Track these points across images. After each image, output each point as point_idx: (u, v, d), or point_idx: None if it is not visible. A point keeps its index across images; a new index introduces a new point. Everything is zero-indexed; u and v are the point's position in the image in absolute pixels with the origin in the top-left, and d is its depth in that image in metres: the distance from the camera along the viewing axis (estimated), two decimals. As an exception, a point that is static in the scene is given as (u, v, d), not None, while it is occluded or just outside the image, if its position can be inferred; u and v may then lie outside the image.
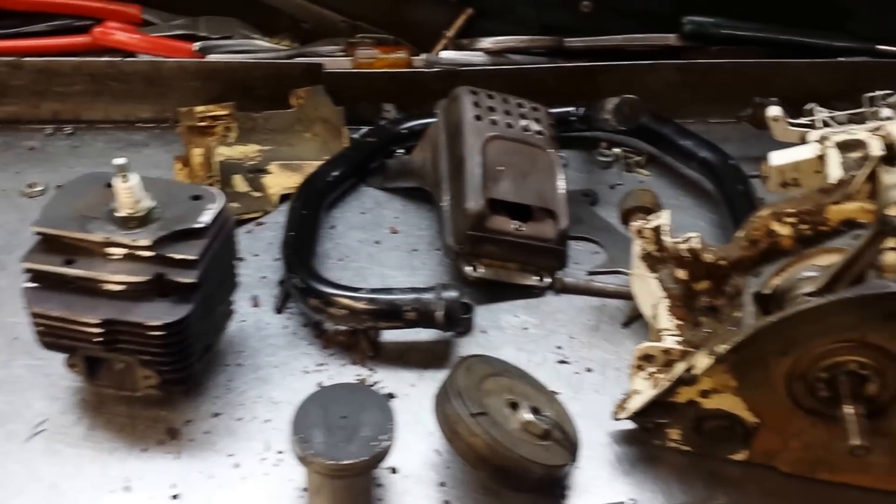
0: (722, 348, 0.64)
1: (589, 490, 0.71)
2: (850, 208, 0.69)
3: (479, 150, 0.87)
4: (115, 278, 0.69)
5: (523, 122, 0.93)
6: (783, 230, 0.71)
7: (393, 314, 0.79)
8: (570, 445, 0.68)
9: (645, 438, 0.74)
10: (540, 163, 0.90)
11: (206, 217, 0.70)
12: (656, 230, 0.78)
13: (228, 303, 0.78)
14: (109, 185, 0.69)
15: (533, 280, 0.89)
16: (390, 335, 0.83)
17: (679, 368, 0.68)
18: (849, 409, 0.62)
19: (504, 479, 0.66)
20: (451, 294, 0.78)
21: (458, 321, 0.79)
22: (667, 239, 0.77)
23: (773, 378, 0.66)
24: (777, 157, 0.94)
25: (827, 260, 0.68)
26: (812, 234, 0.70)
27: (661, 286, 0.79)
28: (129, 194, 0.69)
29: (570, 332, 0.86)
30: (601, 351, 0.83)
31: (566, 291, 0.90)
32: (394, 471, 0.71)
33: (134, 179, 0.69)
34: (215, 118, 1.01)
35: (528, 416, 0.67)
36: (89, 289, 0.69)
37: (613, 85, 1.05)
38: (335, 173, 0.98)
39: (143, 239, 0.68)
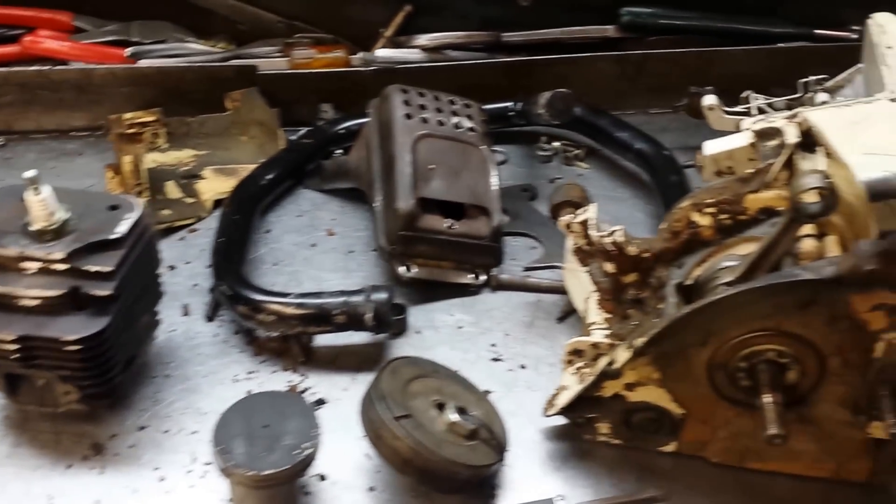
0: (640, 341, 0.64)
1: (518, 488, 0.70)
2: (768, 196, 0.68)
3: (409, 149, 0.86)
4: (30, 293, 0.67)
5: (455, 119, 0.92)
6: (703, 220, 0.71)
7: (322, 318, 0.78)
8: (497, 445, 0.68)
9: (576, 434, 0.74)
10: (472, 160, 0.90)
11: (122, 227, 0.69)
12: (584, 224, 0.78)
13: (153, 313, 0.77)
14: (23, 199, 0.68)
15: (468, 278, 0.89)
16: (323, 339, 0.82)
17: (602, 363, 0.67)
18: (767, 398, 0.62)
19: (431, 482, 0.66)
20: (381, 296, 0.78)
21: (388, 323, 0.78)
22: (593, 233, 0.76)
23: (695, 369, 0.66)
24: (711, 147, 0.94)
25: (747, 249, 0.68)
26: (732, 223, 0.70)
27: (591, 280, 0.79)
28: (42, 207, 0.68)
29: (504, 329, 0.85)
30: (536, 347, 0.83)
31: (502, 288, 0.90)
32: (322, 478, 0.70)
33: (46, 192, 0.68)
34: (143, 124, 0.99)
35: (454, 417, 0.67)
36: (4, 304, 0.68)
37: (552, 78, 1.04)
38: (269, 176, 0.97)
39: (57, 252, 0.67)
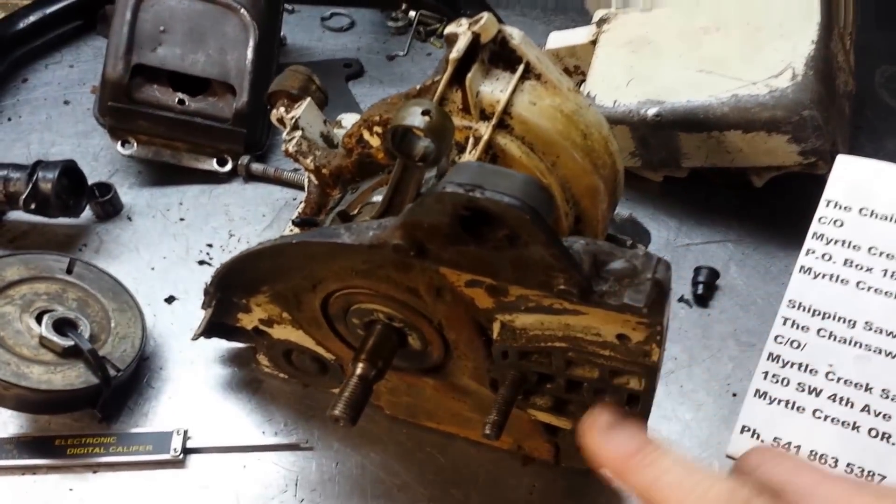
0: (211, 280, 0.53)
1: (147, 413, 0.61)
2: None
3: (131, 7, 0.73)
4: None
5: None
6: (373, 141, 0.57)
7: (-19, 194, 0.68)
8: (98, 368, 0.58)
9: (250, 359, 0.64)
10: (227, 26, 0.77)
11: None
12: (292, 123, 0.65)
13: None
14: None
15: (211, 164, 0.77)
16: (21, 214, 0.73)
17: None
18: (356, 368, 0.49)
19: (3, 403, 0.57)
20: (47, 174, 0.67)
21: (58, 206, 0.68)
22: (284, 135, 0.64)
23: (317, 316, 0.54)
24: (553, 40, 0.82)
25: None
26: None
27: (307, 188, 0.67)
28: None
29: (234, 228, 0.75)
30: (254, 253, 0.72)
31: (253, 179, 0.78)
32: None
33: None
34: None
35: (44, 332, 0.57)
36: None
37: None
38: (33, 17, 0.85)
39: None
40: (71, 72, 0.87)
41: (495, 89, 0.52)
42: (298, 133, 0.62)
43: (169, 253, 0.72)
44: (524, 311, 0.44)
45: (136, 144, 0.75)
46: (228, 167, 0.77)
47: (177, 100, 0.74)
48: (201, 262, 0.71)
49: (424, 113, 0.44)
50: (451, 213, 0.39)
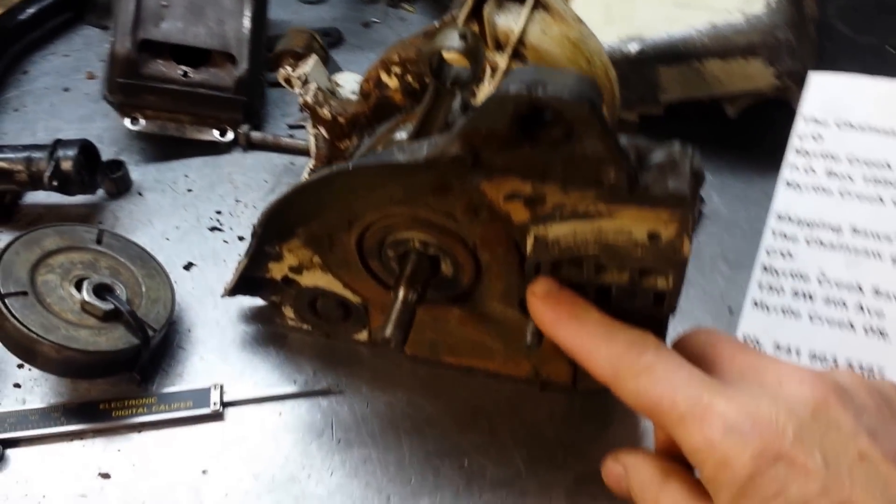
0: (258, 222, 0.56)
1: (182, 373, 0.64)
2: (452, 56, 0.57)
3: (134, -18, 0.75)
4: None
5: (208, -52, 0.81)
6: (391, 82, 0.60)
7: (4, 175, 0.70)
8: (138, 328, 0.61)
9: (273, 316, 0.67)
10: (221, -3, 0.79)
11: None
12: (302, 80, 0.68)
13: None
14: None
15: (213, 135, 0.80)
16: (36, 198, 0.75)
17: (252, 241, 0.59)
18: (398, 294, 0.53)
19: (52, 367, 0.60)
20: (67, 153, 0.69)
21: (77, 183, 0.70)
22: (296, 90, 0.66)
23: (350, 255, 0.57)
24: None
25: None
26: (419, 86, 0.60)
27: (315, 145, 0.70)
28: None
29: (239, 194, 0.77)
30: (265, 216, 0.75)
31: (253, 147, 0.81)
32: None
33: None
34: None
35: (87, 297, 0.60)
36: None
37: None
38: (31, 11, 0.87)
39: None
40: (66, 60, 0.89)
41: (509, 21, 0.56)
42: (314, 84, 0.64)
43: (181, 223, 0.74)
44: (559, 221, 0.48)
45: (143, 120, 0.77)
46: (229, 136, 0.80)
47: (181, 72, 0.76)
48: (213, 229, 0.74)
49: (462, 36, 0.47)
50: (512, 115, 0.42)
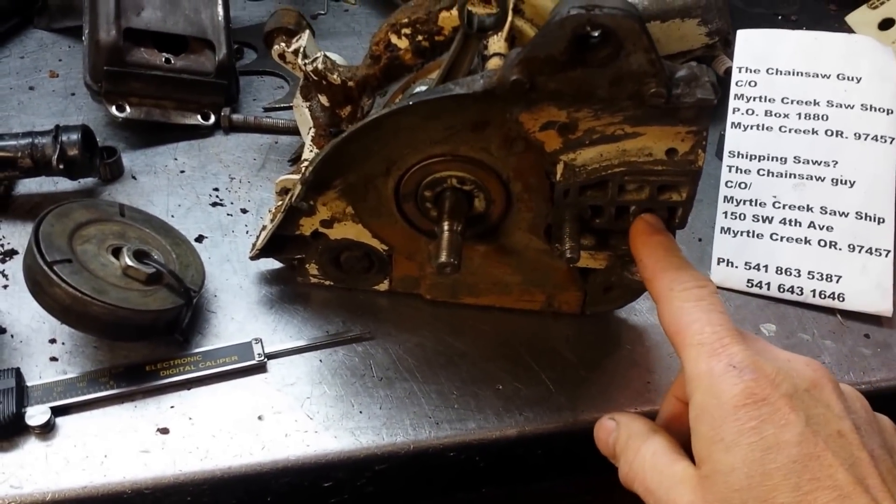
0: (308, 171, 0.60)
1: (220, 333, 0.67)
2: (477, 4, 0.63)
3: (113, -25, 0.77)
4: None
5: (178, -58, 0.83)
6: (401, 43, 0.66)
7: (7, 163, 0.71)
8: (182, 289, 0.63)
9: (292, 277, 0.71)
10: (195, -13, 0.82)
11: None
12: (297, 54, 0.72)
13: None
14: None
15: (196, 119, 0.82)
16: (27, 187, 0.76)
17: (287, 199, 0.63)
18: (444, 225, 0.59)
19: (99, 329, 0.61)
20: (71, 137, 0.71)
21: (81, 166, 0.72)
22: (299, 62, 0.71)
23: (386, 202, 0.62)
24: None
25: (444, 73, 0.64)
26: (429, 45, 0.65)
27: (311, 115, 0.74)
28: None
29: (231, 172, 0.80)
30: (262, 191, 0.78)
31: (235, 129, 0.84)
32: (2, 331, 0.65)
33: None
34: None
35: (129, 262, 0.62)
36: None
37: None
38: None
39: None
40: (24, 62, 0.89)
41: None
42: (322, 54, 0.69)
43: (182, 201, 0.76)
44: (588, 146, 0.54)
45: (128, 107, 0.79)
46: (212, 120, 0.83)
47: (163, 59, 0.79)
48: (214, 204, 0.77)
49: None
50: (570, 37, 0.48)
